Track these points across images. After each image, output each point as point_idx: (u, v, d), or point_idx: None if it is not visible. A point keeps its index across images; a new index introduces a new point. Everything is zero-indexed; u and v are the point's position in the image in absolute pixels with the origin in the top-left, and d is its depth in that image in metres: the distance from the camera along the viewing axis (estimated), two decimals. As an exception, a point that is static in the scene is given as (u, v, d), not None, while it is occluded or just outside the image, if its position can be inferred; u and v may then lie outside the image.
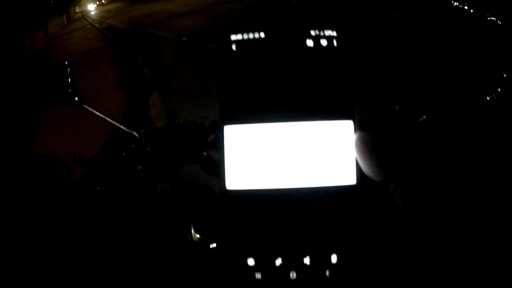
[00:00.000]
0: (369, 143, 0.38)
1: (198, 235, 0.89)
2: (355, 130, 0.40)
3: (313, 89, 0.40)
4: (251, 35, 0.41)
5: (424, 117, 0.73)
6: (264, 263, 0.40)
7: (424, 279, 0.35)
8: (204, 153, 0.68)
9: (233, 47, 0.41)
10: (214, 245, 0.71)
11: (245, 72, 0.40)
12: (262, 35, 0.41)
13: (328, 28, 0.41)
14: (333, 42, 0.41)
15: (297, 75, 0.40)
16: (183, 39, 7.57)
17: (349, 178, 0.40)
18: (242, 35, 0.41)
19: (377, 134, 0.38)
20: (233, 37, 0.41)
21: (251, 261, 0.40)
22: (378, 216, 0.39)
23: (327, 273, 0.40)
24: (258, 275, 0.41)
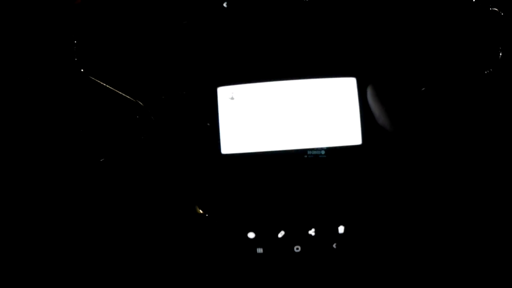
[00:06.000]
0: (384, 92, 0.36)
1: (200, 209, 0.87)
2: (359, 87, 0.37)
3: (312, 44, 0.38)
4: None
5: (423, 89, 0.70)
6: (266, 237, 0.38)
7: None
8: (208, 124, 0.66)
9: (224, 4, 0.39)
10: (214, 218, 0.69)
11: (237, 28, 0.38)
12: None
13: None
14: None
15: (294, 29, 0.38)
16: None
17: (354, 138, 0.37)
18: None
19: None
20: None
21: (251, 235, 0.38)
22: (383, 179, 0.36)
23: (334, 245, 0.37)
24: (259, 250, 0.38)
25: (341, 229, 0.37)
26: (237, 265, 0.39)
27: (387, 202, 0.37)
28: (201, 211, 0.53)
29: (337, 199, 0.37)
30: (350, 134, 0.37)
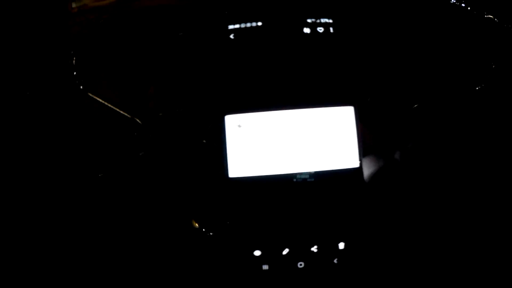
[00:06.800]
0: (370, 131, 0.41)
1: (197, 224, 0.88)
2: (357, 114, 0.41)
3: (312, 76, 0.41)
4: (248, 24, 0.42)
5: (416, 106, 0.73)
6: (271, 254, 0.40)
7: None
8: (204, 141, 0.68)
9: (231, 36, 0.42)
10: (212, 233, 0.70)
11: (243, 61, 0.41)
12: (260, 23, 0.42)
13: (324, 16, 0.42)
14: (329, 29, 0.42)
15: (296, 63, 0.41)
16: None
17: (352, 161, 0.40)
18: (240, 24, 0.42)
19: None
20: (231, 27, 0.42)
21: (257, 253, 0.41)
22: (381, 198, 0.39)
23: (335, 260, 0.40)
24: (265, 266, 0.41)
25: (341, 246, 0.40)
26: (244, 281, 0.41)
27: (383, 218, 0.40)
28: (197, 225, 0.55)
29: (337, 218, 0.40)
30: (349, 158, 0.40)
